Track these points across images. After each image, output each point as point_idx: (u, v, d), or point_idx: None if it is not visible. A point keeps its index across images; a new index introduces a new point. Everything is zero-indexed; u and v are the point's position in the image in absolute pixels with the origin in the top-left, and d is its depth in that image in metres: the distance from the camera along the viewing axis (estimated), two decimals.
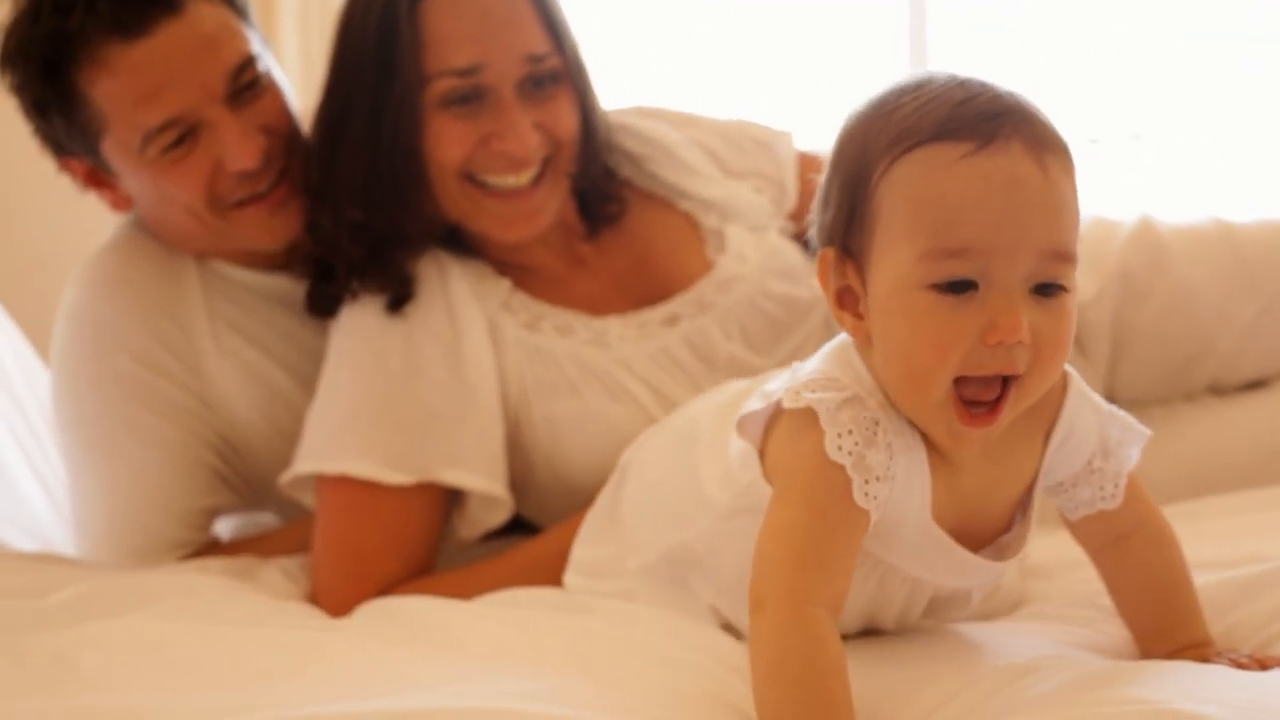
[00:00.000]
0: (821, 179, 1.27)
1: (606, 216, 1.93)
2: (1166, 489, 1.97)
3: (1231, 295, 2.07)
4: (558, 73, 1.80)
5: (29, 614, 1.64)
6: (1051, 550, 1.62)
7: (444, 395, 1.77)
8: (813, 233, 1.29)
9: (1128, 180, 3.45)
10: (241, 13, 1.85)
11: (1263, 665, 1.28)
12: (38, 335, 2.29)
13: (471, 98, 1.76)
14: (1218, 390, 2.12)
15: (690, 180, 1.95)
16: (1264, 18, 3.38)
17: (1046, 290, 1.17)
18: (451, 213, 1.82)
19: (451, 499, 1.80)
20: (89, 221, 2.22)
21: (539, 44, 1.77)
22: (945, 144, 1.17)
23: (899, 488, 1.23)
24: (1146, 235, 2.10)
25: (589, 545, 1.62)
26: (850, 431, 1.20)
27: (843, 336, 1.30)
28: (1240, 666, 1.28)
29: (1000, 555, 1.33)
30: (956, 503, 1.27)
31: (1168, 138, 3.49)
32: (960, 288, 1.16)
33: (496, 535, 1.86)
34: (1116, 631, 1.41)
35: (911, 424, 1.24)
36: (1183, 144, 3.47)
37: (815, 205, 1.28)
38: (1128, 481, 1.34)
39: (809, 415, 1.22)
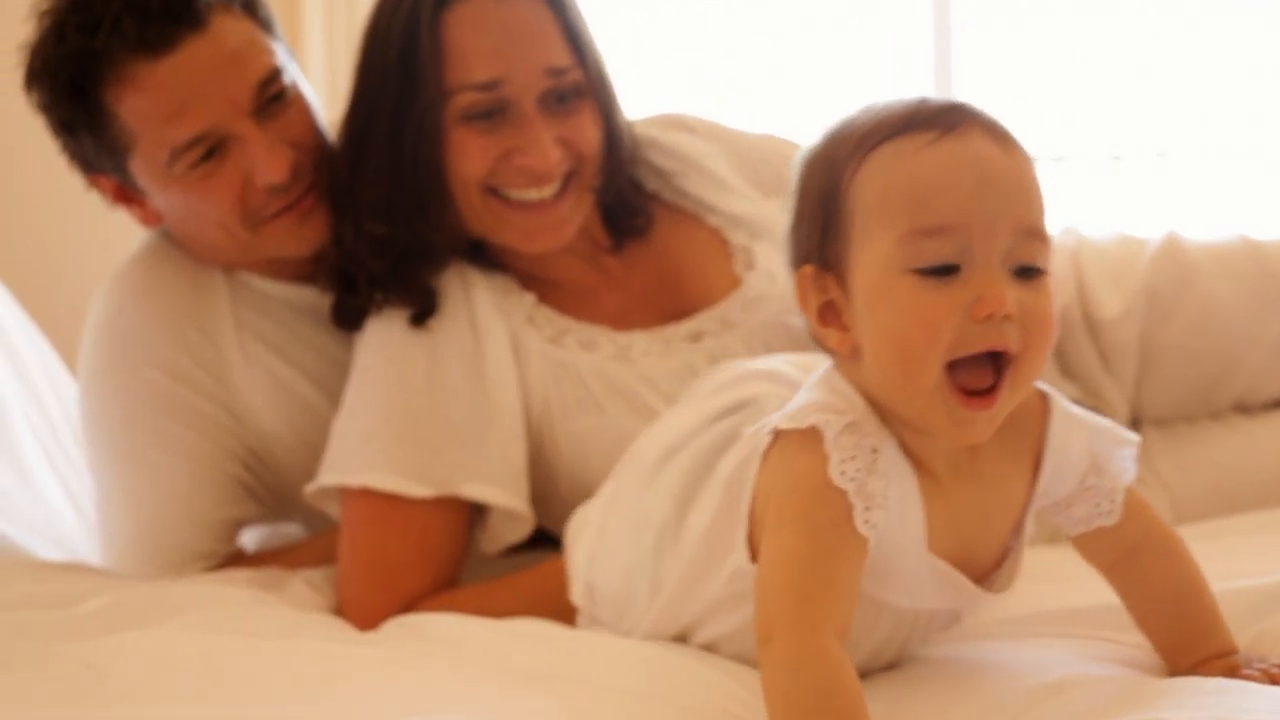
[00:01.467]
0: (790, 207, 1.29)
1: (633, 229, 1.92)
2: (1192, 507, 1.97)
3: (1259, 313, 2.06)
4: (580, 86, 1.79)
5: (58, 624, 1.64)
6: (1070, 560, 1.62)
7: (467, 409, 1.77)
8: (784, 263, 1.31)
9: (1153, 198, 3.44)
10: (266, 26, 1.85)
11: None
12: (65, 345, 2.30)
13: (493, 112, 1.76)
14: (1244, 408, 2.11)
15: (720, 195, 1.95)
16: None
17: (1027, 273, 1.19)
18: (475, 226, 1.82)
19: (475, 513, 1.80)
20: (117, 232, 2.23)
21: (561, 57, 1.77)
22: (910, 135, 1.21)
23: (892, 518, 1.23)
24: (1173, 253, 2.09)
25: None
26: (854, 457, 1.20)
27: (824, 370, 1.30)
28: (1271, 678, 1.28)
29: (992, 586, 1.33)
30: (953, 532, 1.27)
31: (1193, 155, 3.48)
32: (943, 271, 1.18)
33: (520, 549, 1.86)
34: (1138, 642, 1.41)
35: (904, 452, 1.24)
36: (1209, 161, 3.46)
37: (787, 230, 1.30)
38: (1127, 497, 1.34)
39: (809, 437, 1.21)
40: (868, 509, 1.19)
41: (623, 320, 1.87)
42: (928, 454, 1.25)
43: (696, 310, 1.88)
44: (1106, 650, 1.40)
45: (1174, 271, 2.08)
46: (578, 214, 1.83)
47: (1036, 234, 1.20)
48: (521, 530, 1.81)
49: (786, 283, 1.87)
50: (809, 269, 1.26)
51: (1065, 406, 1.31)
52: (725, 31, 3.59)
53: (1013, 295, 1.17)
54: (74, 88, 1.78)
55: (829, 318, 1.26)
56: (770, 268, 1.90)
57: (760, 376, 1.53)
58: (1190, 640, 1.34)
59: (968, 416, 1.19)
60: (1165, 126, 3.48)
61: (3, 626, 1.63)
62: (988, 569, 1.32)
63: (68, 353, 2.21)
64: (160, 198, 1.85)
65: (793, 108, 3.55)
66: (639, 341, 1.85)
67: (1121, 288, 2.05)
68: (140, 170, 1.82)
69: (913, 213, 1.18)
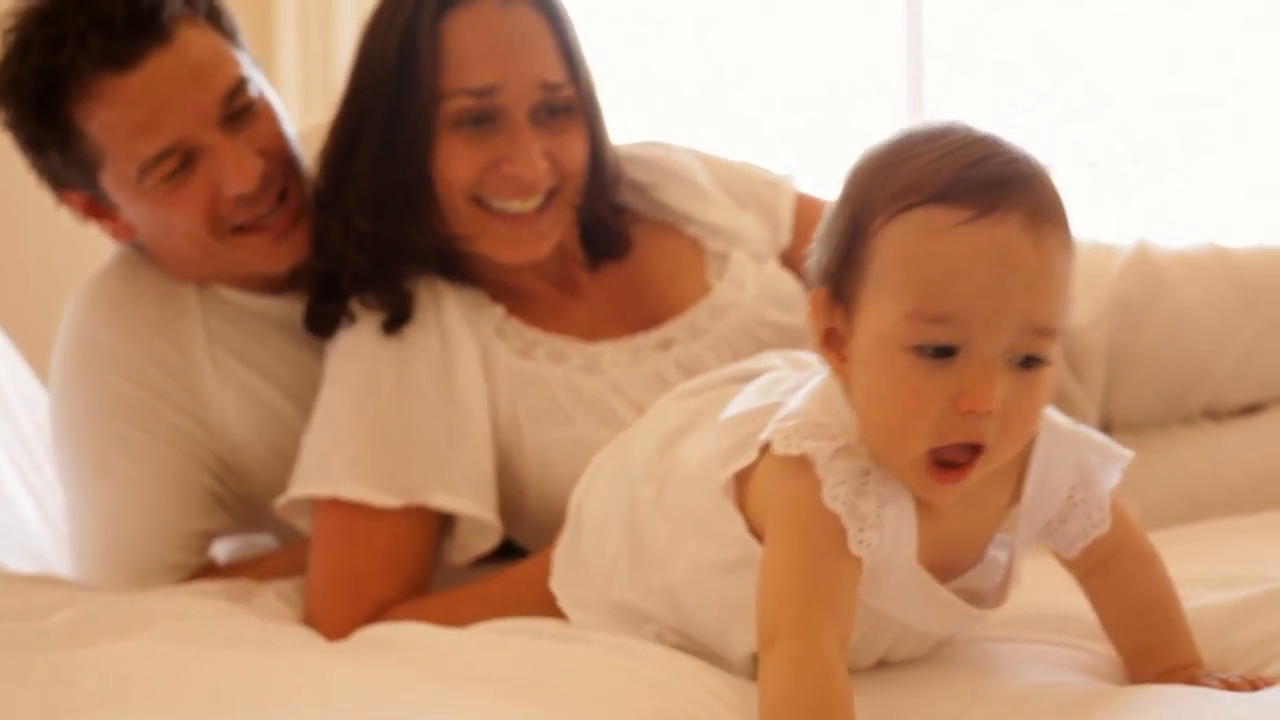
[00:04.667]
0: (826, 214, 1.27)
1: (610, 252, 1.94)
2: (1162, 513, 1.97)
3: (1228, 321, 2.07)
4: (571, 103, 1.80)
5: (29, 635, 1.64)
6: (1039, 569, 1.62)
7: (435, 420, 1.78)
8: (810, 264, 1.29)
9: (1125, 204, 3.46)
10: (231, 36, 1.86)
11: (1253, 686, 1.28)
12: (36, 357, 2.29)
13: (484, 120, 1.76)
14: (1214, 415, 2.12)
15: (698, 205, 1.96)
16: (1263, 40, 3.39)
17: (1026, 363, 1.18)
18: (457, 231, 1.82)
19: (443, 524, 1.80)
20: (89, 243, 2.23)
21: (555, 72, 1.78)
22: (945, 207, 1.17)
23: (888, 535, 1.24)
24: (1143, 261, 2.10)
25: (562, 587, 1.60)
26: (844, 481, 1.21)
27: (824, 376, 1.30)
28: (1230, 687, 1.28)
29: (980, 603, 1.34)
30: (937, 547, 1.29)
31: (1166, 162, 3.49)
32: (940, 353, 1.17)
33: (487, 561, 1.86)
34: (1103, 651, 1.41)
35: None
36: (1181, 168, 3.48)
37: (816, 238, 1.28)
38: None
39: (802, 462, 1.23)
40: (860, 530, 1.21)
41: (593, 332, 1.88)
42: None
43: (667, 319, 1.89)
44: (1074, 658, 1.41)
45: (1145, 280, 2.09)
46: (557, 229, 1.84)
47: (1044, 330, 1.17)
48: (489, 541, 1.81)
49: (755, 290, 1.90)
50: (823, 293, 1.25)
51: (1055, 425, 1.31)
52: (702, 58, 3.61)
53: (1001, 389, 1.16)
54: (40, 105, 1.78)
55: (832, 343, 1.26)
56: (740, 276, 1.91)
57: (781, 358, 1.54)
58: (1156, 650, 1.35)
59: (937, 489, 1.22)
60: (1138, 133, 3.50)
61: None
62: (955, 575, 1.33)
63: (39, 363, 2.21)
64: (131, 211, 1.85)
65: (764, 124, 3.56)
66: (608, 351, 1.85)
67: (1092, 295, 2.06)
68: (110, 185, 1.82)
69: (923, 295, 1.17)
